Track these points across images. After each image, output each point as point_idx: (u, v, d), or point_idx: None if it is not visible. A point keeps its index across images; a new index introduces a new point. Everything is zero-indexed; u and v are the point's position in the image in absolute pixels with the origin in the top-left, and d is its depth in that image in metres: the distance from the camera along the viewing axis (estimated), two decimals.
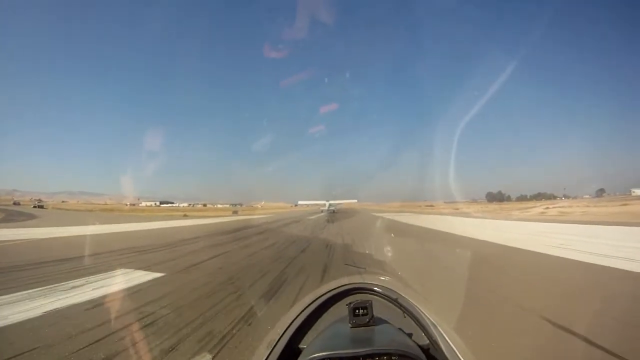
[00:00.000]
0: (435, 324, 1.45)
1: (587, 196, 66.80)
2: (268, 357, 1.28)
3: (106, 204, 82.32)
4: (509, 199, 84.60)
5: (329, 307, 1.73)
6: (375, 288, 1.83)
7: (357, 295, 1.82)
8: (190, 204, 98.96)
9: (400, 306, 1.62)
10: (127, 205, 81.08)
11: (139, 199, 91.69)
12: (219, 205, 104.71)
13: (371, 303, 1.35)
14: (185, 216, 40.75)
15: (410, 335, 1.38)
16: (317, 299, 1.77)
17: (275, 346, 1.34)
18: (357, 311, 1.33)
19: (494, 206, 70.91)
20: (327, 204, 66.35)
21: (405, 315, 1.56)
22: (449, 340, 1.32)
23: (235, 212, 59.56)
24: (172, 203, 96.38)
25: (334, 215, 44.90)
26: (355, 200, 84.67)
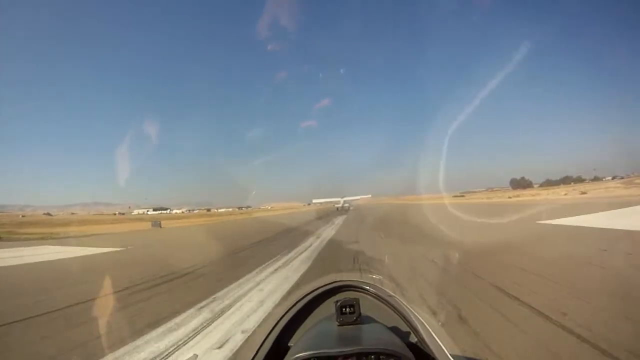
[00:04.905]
0: (424, 322, 1.42)
1: (613, 177, 58.32)
2: (256, 355, 1.26)
3: (74, 214, 79.29)
4: (530, 184, 77.62)
5: (318, 305, 1.67)
6: (365, 286, 1.77)
7: (346, 293, 1.73)
8: (188, 210, 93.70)
9: (389, 304, 1.59)
10: (115, 214, 77.09)
11: (129, 207, 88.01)
12: (222, 210, 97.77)
13: (358, 301, 1.31)
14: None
15: (398, 333, 1.35)
16: (305, 296, 1.72)
17: (262, 344, 1.32)
18: (344, 309, 1.29)
19: (551, 192, 52.07)
20: (342, 200, 60.88)
21: (394, 313, 1.53)
22: (437, 339, 1.29)
23: (156, 225, 35.84)
24: (167, 209, 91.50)
25: (349, 223, 24.37)
26: (369, 196, 79.29)
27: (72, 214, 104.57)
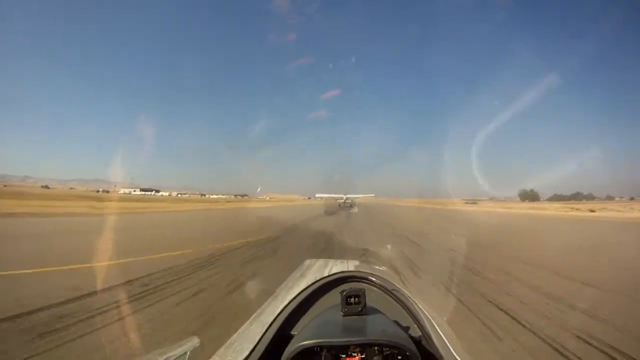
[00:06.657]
0: (429, 316, 1.41)
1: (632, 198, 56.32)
2: (259, 342, 1.27)
3: (72, 189, 75.39)
4: (537, 197, 76.35)
5: (323, 295, 1.65)
6: (371, 277, 1.75)
7: (352, 283, 1.72)
8: (179, 194, 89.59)
9: (394, 297, 1.58)
10: (98, 191, 73.97)
11: (115, 186, 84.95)
12: (213, 196, 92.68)
13: (364, 291, 1.31)
14: None
15: (402, 326, 1.35)
16: (310, 285, 1.70)
17: (266, 331, 1.32)
18: (349, 299, 1.29)
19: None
20: (345, 197, 60.84)
21: (399, 306, 1.52)
22: (441, 333, 1.29)
23: None
24: (155, 191, 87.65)
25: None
26: (373, 195, 78.17)
27: (71, 188, 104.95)
